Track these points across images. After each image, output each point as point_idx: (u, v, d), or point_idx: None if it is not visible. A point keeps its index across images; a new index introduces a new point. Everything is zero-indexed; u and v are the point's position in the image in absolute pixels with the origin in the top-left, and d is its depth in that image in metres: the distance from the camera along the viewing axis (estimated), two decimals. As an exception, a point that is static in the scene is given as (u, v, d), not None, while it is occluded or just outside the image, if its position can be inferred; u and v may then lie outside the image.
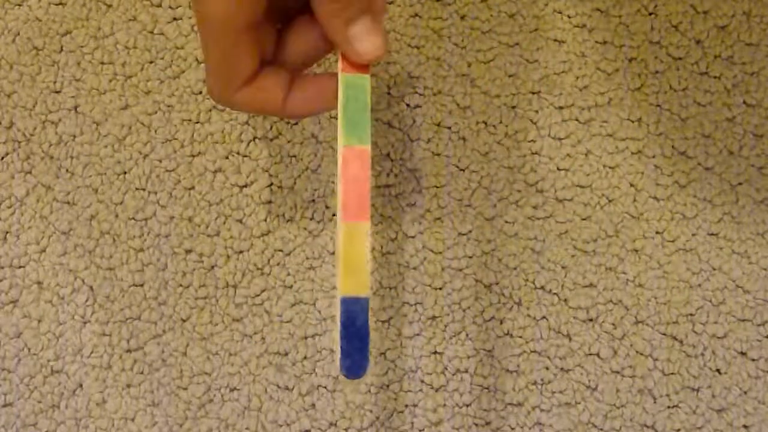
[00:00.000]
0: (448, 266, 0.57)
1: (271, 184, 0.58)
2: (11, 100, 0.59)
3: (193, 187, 0.58)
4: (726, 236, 0.58)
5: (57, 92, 0.59)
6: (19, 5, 0.60)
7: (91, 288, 0.57)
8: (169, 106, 0.59)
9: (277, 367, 0.56)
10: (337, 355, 0.42)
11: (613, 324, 0.57)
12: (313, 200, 0.58)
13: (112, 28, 0.59)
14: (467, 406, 0.56)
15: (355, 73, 0.44)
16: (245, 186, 0.58)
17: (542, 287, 0.57)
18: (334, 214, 0.57)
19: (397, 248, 0.57)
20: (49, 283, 0.57)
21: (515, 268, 0.57)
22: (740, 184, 0.58)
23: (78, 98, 0.59)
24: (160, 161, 0.58)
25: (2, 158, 0.58)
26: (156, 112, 0.59)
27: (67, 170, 0.58)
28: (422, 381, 0.56)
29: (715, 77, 0.59)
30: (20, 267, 0.57)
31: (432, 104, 0.59)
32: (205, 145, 0.58)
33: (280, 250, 0.57)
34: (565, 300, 0.57)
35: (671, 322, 0.57)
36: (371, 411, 0.56)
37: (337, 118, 0.57)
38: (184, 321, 0.57)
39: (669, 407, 0.56)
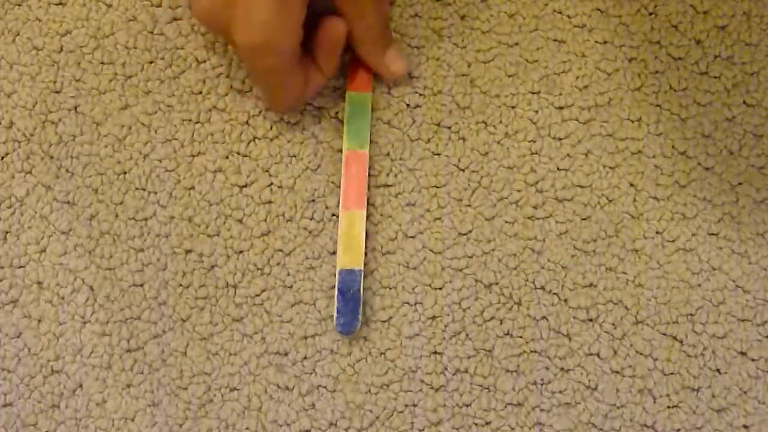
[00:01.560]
0: (448, 266, 0.57)
1: (271, 184, 0.58)
2: (11, 100, 0.59)
3: (193, 187, 0.58)
4: (726, 236, 0.58)
5: (57, 92, 0.59)
6: (19, 5, 0.60)
7: (91, 288, 0.57)
8: (169, 106, 0.59)
9: (277, 367, 0.56)
10: (335, 317, 0.55)
11: (613, 324, 0.57)
12: (313, 200, 0.58)
13: (112, 28, 0.59)
14: (467, 406, 0.56)
15: (359, 91, 0.57)
16: (245, 186, 0.58)
17: (542, 287, 0.57)
18: (333, 214, 0.57)
19: (397, 248, 0.57)
20: (49, 283, 0.57)
21: (515, 268, 0.57)
22: (740, 184, 0.58)
23: (78, 98, 0.59)
24: (160, 161, 0.58)
25: (2, 158, 0.58)
26: (156, 112, 0.59)
27: (67, 170, 0.58)
28: (422, 381, 0.56)
29: (715, 77, 0.59)
30: (20, 267, 0.57)
31: (432, 104, 0.59)
32: (205, 145, 0.58)
33: (280, 250, 0.57)
34: (565, 300, 0.57)
35: (671, 322, 0.57)
36: (371, 411, 0.56)
37: (336, 119, 0.58)
38: (184, 321, 0.57)
39: (669, 407, 0.56)
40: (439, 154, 0.58)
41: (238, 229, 0.57)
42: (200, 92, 0.59)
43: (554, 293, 0.57)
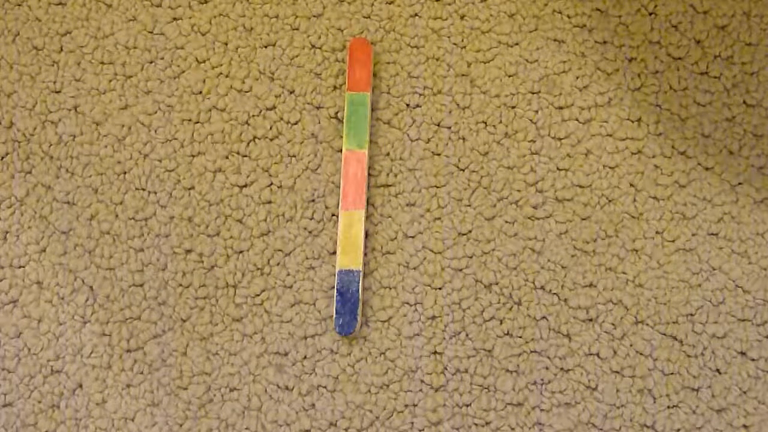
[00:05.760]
0: (448, 266, 0.57)
1: (271, 184, 0.58)
2: (11, 100, 0.59)
3: (193, 187, 0.58)
4: (726, 236, 0.58)
5: (57, 92, 0.59)
6: (19, 5, 0.60)
7: (91, 288, 0.57)
8: (169, 106, 0.59)
9: (277, 367, 0.56)
10: (334, 318, 0.55)
11: (613, 324, 0.57)
12: (313, 200, 0.58)
13: (112, 28, 0.59)
14: (467, 406, 0.56)
15: (358, 91, 0.57)
16: (245, 186, 0.58)
17: (542, 287, 0.57)
18: (333, 214, 0.57)
19: (397, 248, 0.57)
20: (49, 283, 0.57)
21: (515, 268, 0.57)
22: (740, 184, 0.58)
23: (78, 98, 0.59)
24: (160, 161, 0.58)
25: (2, 158, 0.58)
26: (156, 112, 0.59)
27: (67, 170, 0.58)
28: (422, 381, 0.56)
29: (715, 77, 0.59)
30: (20, 267, 0.57)
31: (432, 104, 0.59)
32: (205, 145, 0.58)
33: (280, 250, 0.57)
34: (565, 300, 0.57)
35: (671, 322, 0.57)
36: (371, 411, 0.56)
37: (336, 119, 0.58)
38: (184, 321, 0.57)
39: (669, 407, 0.56)
40: (439, 154, 0.58)
41: (238, 229, 0.57)
42: (200, 92, 0.59)
43: (554, 293, 0.57)
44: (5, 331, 0.57)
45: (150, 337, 0.56)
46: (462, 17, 0.59)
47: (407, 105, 0.59)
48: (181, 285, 0.57)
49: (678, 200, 0.58)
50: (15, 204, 0.58)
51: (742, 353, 0.57)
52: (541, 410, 0.56)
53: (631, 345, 0.57)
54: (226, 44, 0.59)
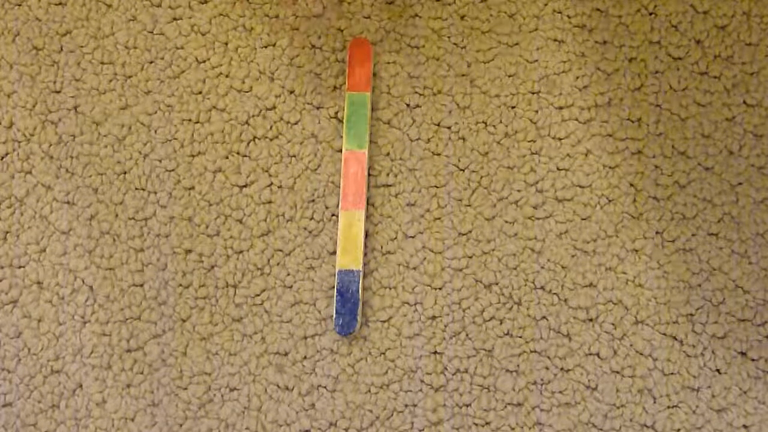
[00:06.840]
0: (448, 266, 0.57)
1: (271, 184, 0.58)
2: (11, 100, 0.59)
3: (193, 187, 0.58)
4: (726, 236, 0.58)
5: (57, 92, 0.59)
6: (19, 5, 0.60)
7: (91, 288, 0.57)
8: (169, 106, 0.59)
9: (277, 367, 0.56)
10: (334, 318, 0.55)
11: (613, 324, 0.57)
12: (313, 200, 0.58)
13: (112, 28, 0.59)
14: (467, 406, 0.56)
15: (358, 91, 0.57)
16: (245, 186, 0.58)
17: (542, 287, 0.57)
18: (333, 214, 0.57)
19: (397, 248, 0.57)
20: (49, 283, 0.57)
21: (515, 268, 0.57)
22: (740, 184, 0.58)
23: (78, 98, 0.59)
24: (160, 161, 0.58)
25: (2, 158, 0.58)
26: (156, 112, 0.59)
27: (67, 170, 0.58)
28: (422, 381, 0.56)
29: (715, 77, 0.59)
30: (20, 267, 0.57)
31: (432, 104, 0.59)
32: (205, 145, 0.58)
33: (280, 250, 0.57)
34: (565, 300, 0.57)
35: (671, 322, 0.57)
36: (371, 411, 0.56)
37: (336, 119, 0.58)
38: (184, 321, 0.57)
39: (669, 407, 0.56)
40: (439, 154, 0.58)
41: (238, 229, 0.57)
42: (200, 92, 0.59)
43: (554, 293, 0.57)
44: (5, 331, 0.57)
45: (150, 337, 0.56)
46: (462, 17, 0.59)
47: (407, 105, 0.59)
48: (181, 285, 0.57)
49: (678, 200, 0.58)
50: (15, 204, 0.58)
51: (742, 353, 0.57)
52: (541, 410, 0.56)
53: (631, 345, 0.57)
54: (226, 44, 0.59)
